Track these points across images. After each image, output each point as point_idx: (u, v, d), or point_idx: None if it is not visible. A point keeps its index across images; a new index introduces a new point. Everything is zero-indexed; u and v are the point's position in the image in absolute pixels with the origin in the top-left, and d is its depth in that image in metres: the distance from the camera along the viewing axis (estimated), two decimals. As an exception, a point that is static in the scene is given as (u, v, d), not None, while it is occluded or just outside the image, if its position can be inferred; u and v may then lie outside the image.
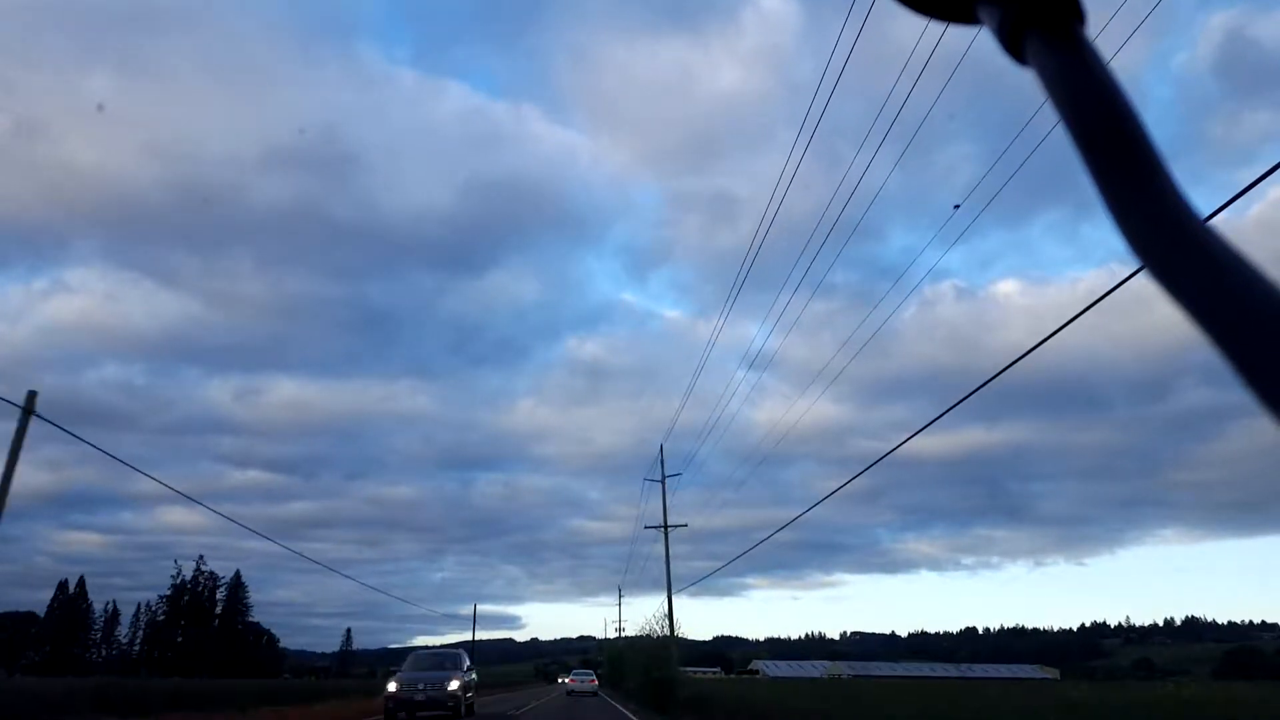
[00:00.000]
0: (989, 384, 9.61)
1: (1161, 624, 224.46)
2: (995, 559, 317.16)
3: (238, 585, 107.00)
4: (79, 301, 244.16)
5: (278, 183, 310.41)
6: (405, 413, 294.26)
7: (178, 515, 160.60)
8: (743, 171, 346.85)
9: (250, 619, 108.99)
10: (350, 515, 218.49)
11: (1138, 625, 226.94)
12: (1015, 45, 0.57)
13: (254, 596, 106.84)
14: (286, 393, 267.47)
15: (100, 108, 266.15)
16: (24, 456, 12.34)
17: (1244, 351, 0.39)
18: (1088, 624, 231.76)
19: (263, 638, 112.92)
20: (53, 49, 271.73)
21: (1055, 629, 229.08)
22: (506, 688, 72.66)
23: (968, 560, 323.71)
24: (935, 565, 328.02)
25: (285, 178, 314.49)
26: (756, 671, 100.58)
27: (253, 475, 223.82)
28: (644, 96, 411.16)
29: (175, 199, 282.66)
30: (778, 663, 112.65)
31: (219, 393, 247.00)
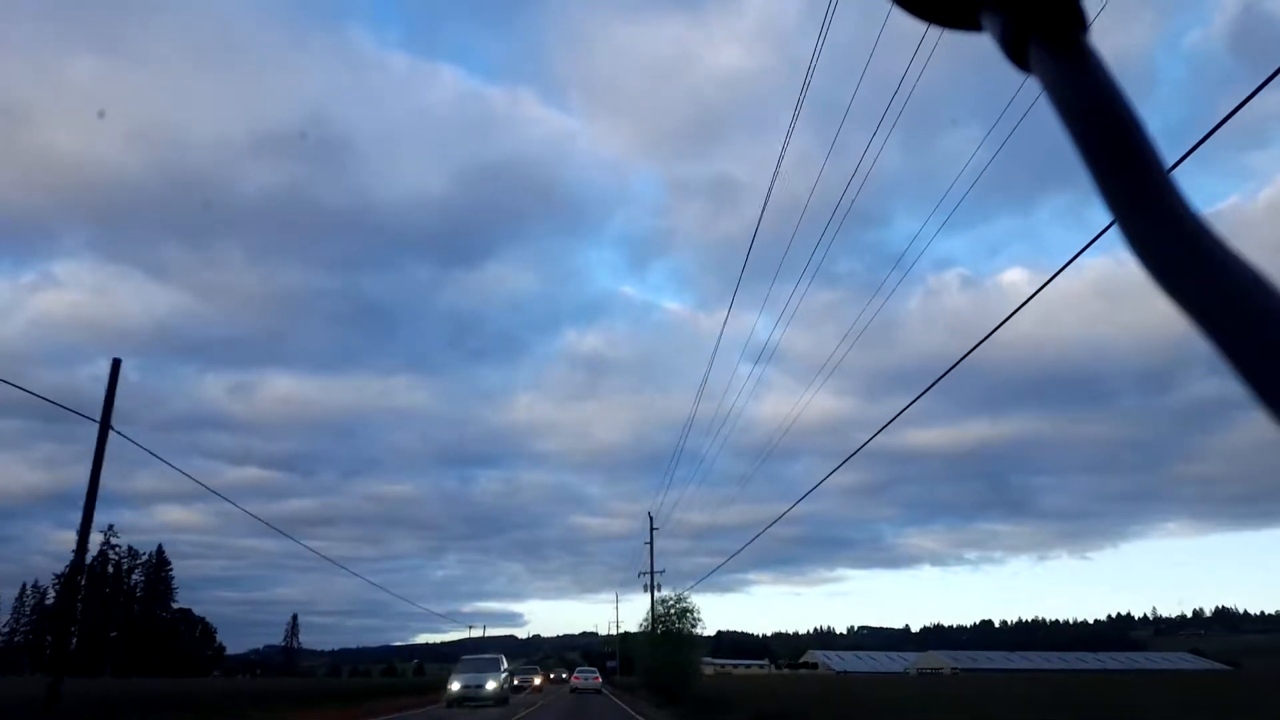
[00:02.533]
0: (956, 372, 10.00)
1: (1190, 615, 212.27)
2: (999, 554, 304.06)
3: (160, 564, 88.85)
4: (68, 295, 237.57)
5: (268, 171, 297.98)
6: (403, 408, 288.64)
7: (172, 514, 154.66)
8: (744, 155, 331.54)
9: (178, 605, 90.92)
10: (349, 513, 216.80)
11: (1165, 616, 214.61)
12: (1019, 53, 0.57)
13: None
14: (282, 388, 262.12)
15: (101, 114, 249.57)
16: None
17: (1244, 353, 0.40)
18: (1114, 615, 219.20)
19: (195, 628, 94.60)
20: (35, 33, 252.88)
21: (1074, 621, 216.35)
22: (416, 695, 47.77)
23: (971, 555, 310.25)
24: (938, 560, 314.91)
25: (275, 165, 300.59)
26: (815, 665, 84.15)
27: (250, 473, 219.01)
28: (642, 78, 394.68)
29: (163, 188, 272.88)
30: (841, 654, 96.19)
31: (213, 388, 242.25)
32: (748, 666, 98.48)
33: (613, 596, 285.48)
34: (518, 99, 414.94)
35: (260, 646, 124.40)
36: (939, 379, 10.14)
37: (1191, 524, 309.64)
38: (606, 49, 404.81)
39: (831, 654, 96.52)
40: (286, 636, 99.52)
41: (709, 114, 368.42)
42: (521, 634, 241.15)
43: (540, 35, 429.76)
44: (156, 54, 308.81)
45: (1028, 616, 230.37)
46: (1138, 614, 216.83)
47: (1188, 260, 0.44)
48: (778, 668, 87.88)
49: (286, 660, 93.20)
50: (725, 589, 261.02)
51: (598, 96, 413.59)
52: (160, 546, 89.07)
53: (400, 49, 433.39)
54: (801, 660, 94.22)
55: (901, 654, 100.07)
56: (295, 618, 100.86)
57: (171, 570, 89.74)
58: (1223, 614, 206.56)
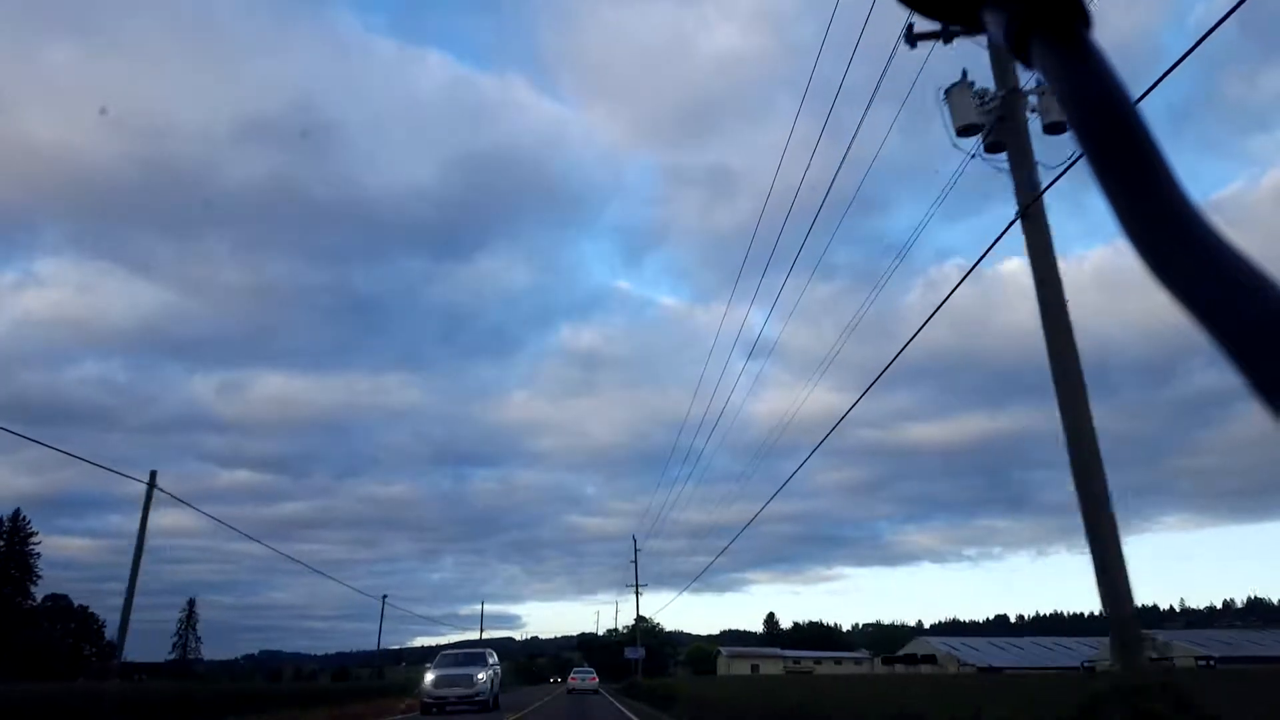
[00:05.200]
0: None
1: (1220, 606, 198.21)
2: (997, 549, 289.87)
3: (15, 538, 68.24)
4: (51, 294, 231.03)
5: (253, 160, 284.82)
6: (395, 406, 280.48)
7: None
8: (740, 142, 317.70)
9: (50, 591, 70.76)
10: (343, 515, 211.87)
11: (1193, 608, 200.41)
12: (1021, 49, 0.57)
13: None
14: (272, 387, 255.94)
15: (103, 111, 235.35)
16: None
17: (1245, 351, 0.40)
18: (1140, 606, 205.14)
19: (68, 621, 74.26)
20: (7, 18, 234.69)
21: (1100, 614, 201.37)
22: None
23: (970, 551, 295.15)
24: (937, 557, 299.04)
25: (260, 155, 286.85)
26: (931, 657, 65.05)
27: (241, 475, 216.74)
28: (635, 63, 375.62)
29: (145, 180, 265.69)
30: (971, 642, 76.14)
31: (202, 388, 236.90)
32: (838, 661, 78.91)
33: (611, 597, 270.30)
34: (508, 85, 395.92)
35: (255, 651, 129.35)
36: (878, 376, 11.18)
37: (1191, 518, 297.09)
38: (598, 32, 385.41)
39: (954, 641, 76.51)
40: (180, 629, 78.48)
41: (704, 99, 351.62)
42: (520, 636, 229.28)
43: (531, 18, 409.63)
44: (135, 39, 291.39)
45: (1043, 611, 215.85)
46: (1162, 606, 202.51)
47: (1187, 255, 0.44)
48: (885, 662, 68.79)
49: (182, 660, 72.55)
50: (723, 589, 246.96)
51: (590, 82, 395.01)
52: (17, 511, 68.59)
53: (387, 34, 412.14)
54: (903, 652, 74.96)
55: (1056, 640, 79.92)
56: (192, 604, 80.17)
57: (36, 545, 69.38)
58: (1257, 604, 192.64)
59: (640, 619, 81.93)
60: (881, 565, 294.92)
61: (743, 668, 72.19)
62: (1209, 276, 0.43)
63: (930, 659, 63.64)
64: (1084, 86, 0.52)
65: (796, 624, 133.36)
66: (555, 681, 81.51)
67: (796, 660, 77.00)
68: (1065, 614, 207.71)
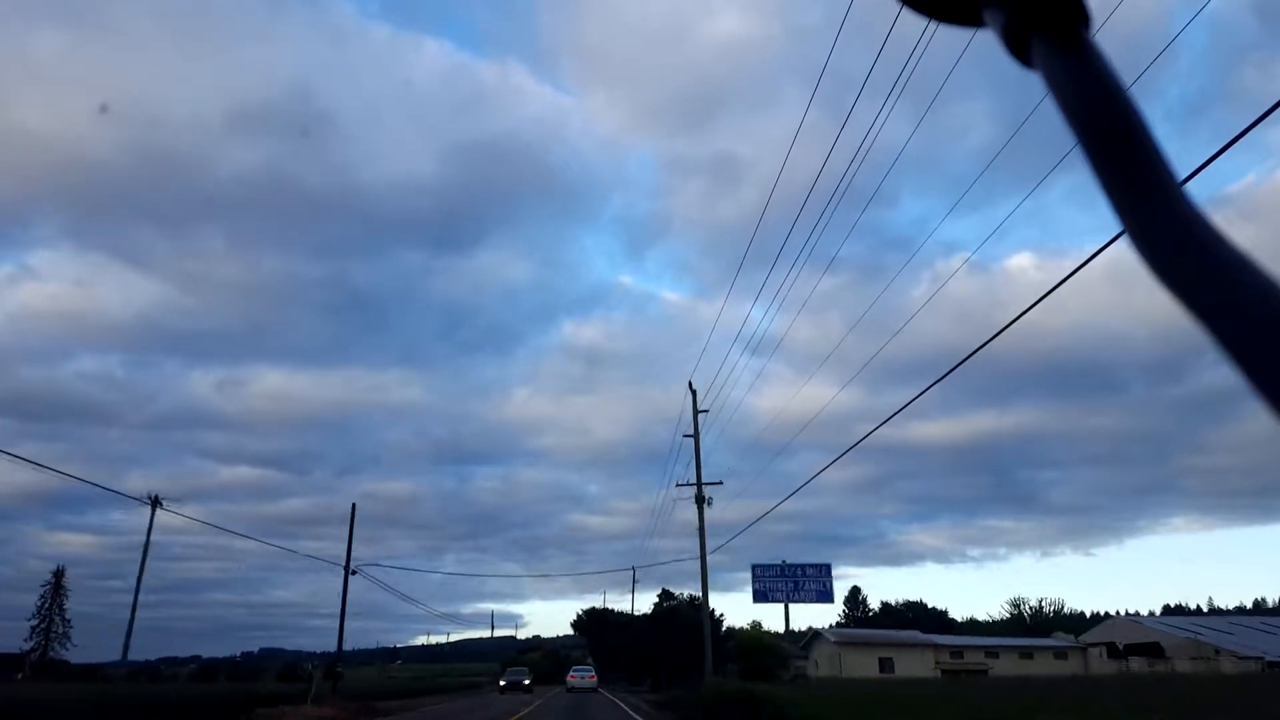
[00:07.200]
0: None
1: (1251, 606, 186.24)
2: (1002, 550, 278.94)
3: None
4: (47, 287, 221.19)
5: (248, 151, 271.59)
6: (396, 403, 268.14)
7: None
8: (744, 130, 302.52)
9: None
10: (344, 512, 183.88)
11: (1221, 607, 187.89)
12: (1020, 48, 0.57)
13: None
14: (271, 383, 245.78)
15: (104, 109, 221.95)
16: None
17: (1248, 353, 0.40)
18: (1168, 605, 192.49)
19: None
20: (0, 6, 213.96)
21: (1127, 612, 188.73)
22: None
23: (974, 552, 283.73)
24: (941, 557, 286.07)
25: (256, 145, 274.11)
26: (1160, 650, 47.30)
27: (242, 471, 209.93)
28: (636, 48, 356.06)
29: (139, 170, 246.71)
30: (1202, 622, 58.14)
31: (201, 385, 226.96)
32: (1025, 653, 56.75)
33: (616, 595, 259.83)
34: (507, 72, 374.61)
35: (256, 650, 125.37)
36: (938, 380, 11.49)
37: (1199, 519, 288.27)
38: (599, 16, 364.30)
39: (1181, 622, 57.12)
40: (41, 610, 55.68)
41: (706, 86, 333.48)
42: (523, 635, 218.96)
43: (530, 2, 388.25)
44: (127, 26, 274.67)
45: (1071, 609, 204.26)
46: (1190, 606, 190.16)
47: (1188, 255, 0.44)
48: (1112, 654, 49.82)
49: (45, 666, 50.49)
50: (726, 588, 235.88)
51: (591, 69, 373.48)
52: None
53: (382, 19, 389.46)
54: (1094, 640, 56.64)
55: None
56: (59, 576, 57.65)
57: None
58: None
59: (668, 594, 61.13)
60: (885, 565, 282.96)
61: (863, 664, 50.85)
62: (1210, 276, 0.43)
63: (1154, 648, 44.92)
64: (1084, 87, 0.52)
65: (886, 604, 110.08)
66: (520, 684, 50.94)
67: (957, 651, 56.03)
68: (1085, 614, 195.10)
